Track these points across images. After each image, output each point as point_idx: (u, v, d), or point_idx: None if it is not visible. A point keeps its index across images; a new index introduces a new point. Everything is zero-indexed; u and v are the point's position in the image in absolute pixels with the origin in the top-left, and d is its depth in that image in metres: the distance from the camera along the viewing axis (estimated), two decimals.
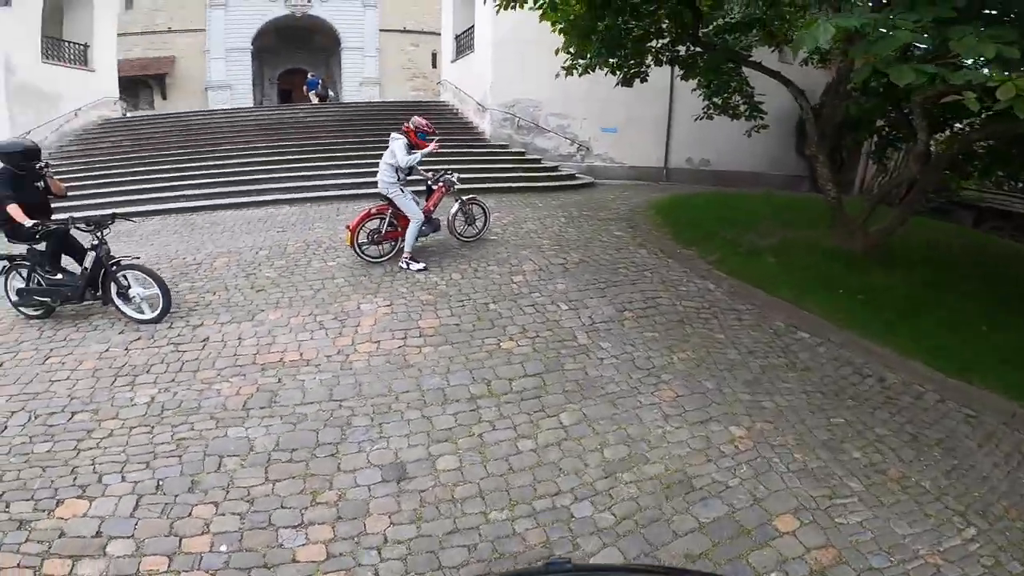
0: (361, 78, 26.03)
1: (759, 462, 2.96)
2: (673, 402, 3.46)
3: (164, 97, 23.88)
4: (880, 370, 4.04)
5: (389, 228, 5.64)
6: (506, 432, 3.12)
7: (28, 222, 4.01)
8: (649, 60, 6.72)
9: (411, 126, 5.51)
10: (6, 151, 4.27)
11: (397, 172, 5.40)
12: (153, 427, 3.14)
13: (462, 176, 9.29)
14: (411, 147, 5.43)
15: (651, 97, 11.55)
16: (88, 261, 4.32)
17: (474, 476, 2.80)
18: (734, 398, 3.55)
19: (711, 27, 6.56)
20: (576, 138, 12.26)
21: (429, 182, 5.98)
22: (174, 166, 10.17)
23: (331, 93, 23.24)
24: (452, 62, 15.03)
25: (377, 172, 5.60)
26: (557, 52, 6.52)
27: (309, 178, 9.48)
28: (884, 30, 2.74)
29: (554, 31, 6.09)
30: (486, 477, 2.79)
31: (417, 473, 2.81)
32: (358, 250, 5.61)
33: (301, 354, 3.92)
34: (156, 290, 4.29)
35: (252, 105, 23.01)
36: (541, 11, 5.73)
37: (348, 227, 5.59)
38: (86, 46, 13.58)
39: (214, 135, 12.01)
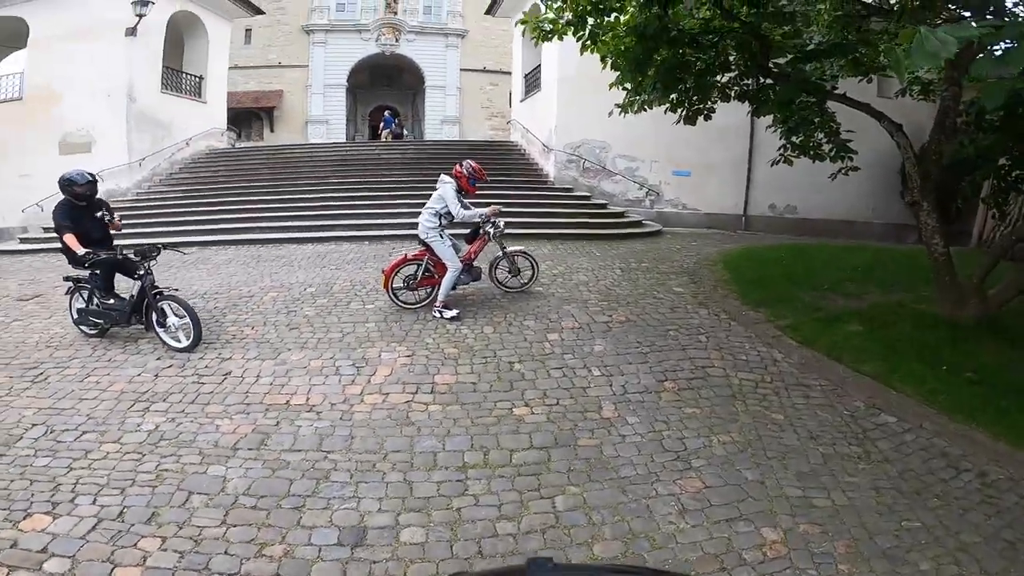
0: (442, 116, 27.48)
1: (788, 574, 2.37)
2: (697, 494, 2.92)
3: (272, 130, 26.31)
4: (983, 464, 3.25)
5: (426, 275, 5.53)
6: (489, 510, 2.78)
7: (80, 251, 4.38)
8: (715, 96, 6.14)
9: (463, 170, 5.39)
10: (67, 182, 4.68)
11: (440, 217, 5.29)
12: (144, 455, 3.20)
13: (521, 221, 9.50)
14: (460, 192, 5.35)
15: (729, 137, 11.07)
16: (134, 289, 4.66)
17: (436, 555, 2.49)
18: (778, 493, 2.94)
19: (786, 58, 5.84)
20: (645, 182, 11.84)
21: (480, 224, 5.69)
22: (256, 197, 11.05)
23: (405, 132, 24.62)
24: (521, 101, 15.19)
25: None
26: (611, 87, 6.10)
27: (373, 215, 9.88)
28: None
29: (604, 67, 5.76)
30: (448, 559, 2.47)
31: (376, 541, 2.56)
32: (392, 295, 5.56)
33: (308, 399, 3.88)
34: (188, 320, 4.49)
35: (344, 140, 24.97)
36: (583, 44, 5.39)
37: (383, 271, 5.60)
38: (200, 78, 15.09)
39: (295, 169, 12.95)
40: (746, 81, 6.02)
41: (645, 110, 6.13)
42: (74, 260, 4.63)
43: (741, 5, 5.19)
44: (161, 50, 13.46)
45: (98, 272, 4.68)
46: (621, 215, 10.99)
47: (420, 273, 5.52)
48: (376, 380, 4.13)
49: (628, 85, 5.82)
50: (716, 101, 6.19)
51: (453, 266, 5.30)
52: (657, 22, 4.70)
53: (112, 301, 4.70)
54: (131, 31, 11.93)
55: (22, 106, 12.18)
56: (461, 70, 27.63)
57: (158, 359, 4.47)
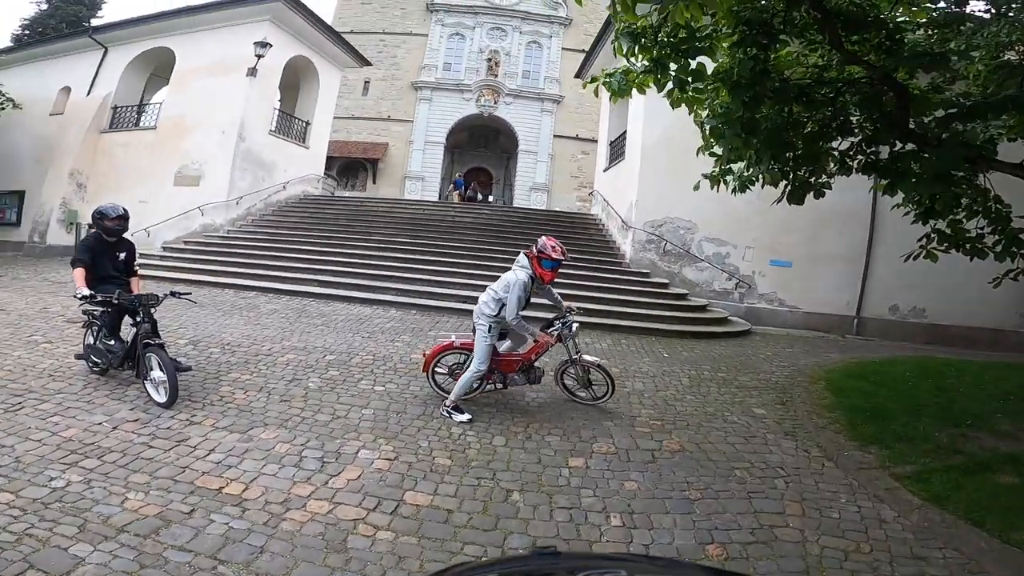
0: (532, 183, 27.96)
1: None
2: None
3: (374, 181, 27.97)
4: None
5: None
6: None
7: (79, 291, 4.24)
8: (831, 167, 4.81)
9: (535, 250, 4.46)
10: (99, 215, 4.64)
11: (501, 306, 4.42)
12: (26, 513, 2.77)
13: (584, 307, 8.47)
14: (534, 280, 4.46)
15: (842, 221, 9.74)
16: (129, 336, 4.46)
17: None
18: None
19: (931, 117, 4.29)
20: (736, 271, 10.53)
21: (555, 319, 4.73)
22: (325, 249, 11.23)
23: (480, 195, 24.94)
24: (604, 171, 14.57)
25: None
26: (699, 154, 4.97)
27: (429, 282, 9.56)
28: None
29: (697, 119, 4.67)
30: None
31: None
32: (432, 381, 4.91)
33: (245, 490, 3.21)
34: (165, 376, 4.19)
35: (436, 198, 25.86)
36: (669, 95, 4.38)
37: (424, 353, 4.99)
38: (307, 123, 16.25)
39: (368, 224, 13.20)
40: (873, 148, 4.63)
41: (749, 188, 4.94)
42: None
43: (869, 49, 3.98)
44: (275, 92, 14.76)
45: (106, 311, 4.56)
46: (702, 308, 9.74)
47: (467, 362, 4.71)
48: (336, 483, 3.37)
49: (718, 150, 4.76)
50: (833, 175, 4.87)
51: (477, 363, 4.44)
52: (752, 69, 3.76)
53: (112, 343, 4.54)
54: (251, 71, 13.07)
55: (155, 135, 13.72)
56: (554, 136, 28.35)
57: (131, 410, 4.16)
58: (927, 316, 10.06)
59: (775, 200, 5.02)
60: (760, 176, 4.65)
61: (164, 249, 11.70)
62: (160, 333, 4.49)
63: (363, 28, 28.57)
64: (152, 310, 4.41)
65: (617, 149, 13.58)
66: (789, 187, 4.72)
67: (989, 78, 4.05)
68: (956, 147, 3.75)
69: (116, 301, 4.31)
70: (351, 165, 28.02)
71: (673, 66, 4.08)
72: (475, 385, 4.57)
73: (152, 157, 13.34)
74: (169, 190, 13.02)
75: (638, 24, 3.71)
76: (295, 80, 16.43)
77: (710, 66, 4.27)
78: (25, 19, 28.53)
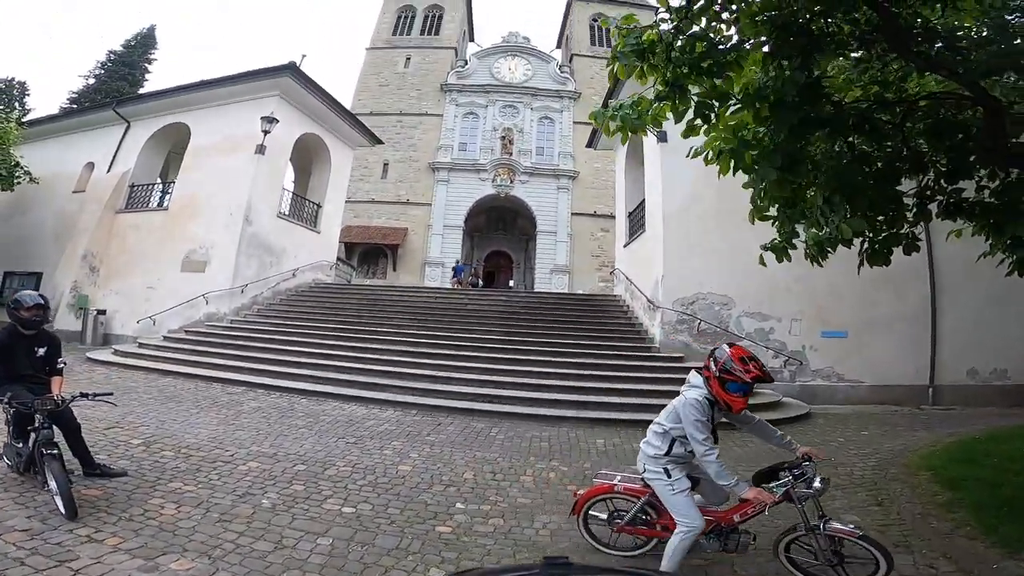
0: (552, 265, 27.69)
1: None
2: None
3: (394, 268, 27.87)
4: None
5: (642, 518, 3.44)
6: None
7: None
8: (911, 210, 3.84)
9: (712, 364, 3.08)
10: (14, 304, 4.18)
11: (672, 443, 3.19)
12: None
13: (606, 402, 7.55)
14: (715, 405, 3.08)
15: (897, 279, 8.74)
16: (31, 440, 3.95)
17: None
18: None
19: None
20: (783, 347, 9.44)
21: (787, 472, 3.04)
22: (328, 342, 10.51)
23: (480, 282, 24.59)
24: (625, 246, 13.80)
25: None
26: (754, 218, 4.07)
27: (435, 379, 8.72)
28: None
29: (721, 166, 3.76)
30: None
31: None
32: (583, 526, 3.66)
33: None
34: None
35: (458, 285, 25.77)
36: (688, 125, 3.63)
37: (575, 493, 3.74)
38: (319, 206, 16.00)
39: (378, 314, 12.45)
40: (954, 186, 3.71)
41: (830, 251, 3.92)
42: None
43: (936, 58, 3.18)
44: (284, 172, 14.64)
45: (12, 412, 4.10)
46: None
47: (635, 514, 3.44)
48: None
49: (767, 205, 3.84)
50: (914, 224, 3.86)
51: (686, 524, 2.99)
52: (796, 83, 2.96)
53: (20, 445, 4.08)
54: (259, 148, 12.99)
55: (165, 216, 13.63)
56: (572, 214, 28.39)
57: (28, 517, 3.56)
58: (1010, 377, 8.97)
59: (860, 265, 4.04)
60: (841, 232, 3.52)
61: (165, 339, 11.29)
62: (82, 437, 4.17)
63: (381, 110, 30.17)
64: (62, 412, 3.96)
65: (637, 221, 12.87)
66: (867, 245, 3.77)
67: None
68: None
69: (7, 404, 3.86)
70: (371, 251, 28.26)
71: (694, 89, 3.32)
72: (707, 549, 3.23)
73: (161, 241, 13.25)
74: (176, 276, 12.79)
75: (644, 37, 3.02)
76: (307, 162, 16.62)
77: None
78: (73, 92, 31.30)
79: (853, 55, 3.55)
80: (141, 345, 10.97)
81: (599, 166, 27.47)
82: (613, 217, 18.70)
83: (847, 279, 6.24)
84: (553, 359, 9.33)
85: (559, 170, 28.91)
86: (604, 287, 23.23)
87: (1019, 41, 3.22)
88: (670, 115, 3.46)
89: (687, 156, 4.01)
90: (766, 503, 2.95)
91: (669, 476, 3.10)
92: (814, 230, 3.75)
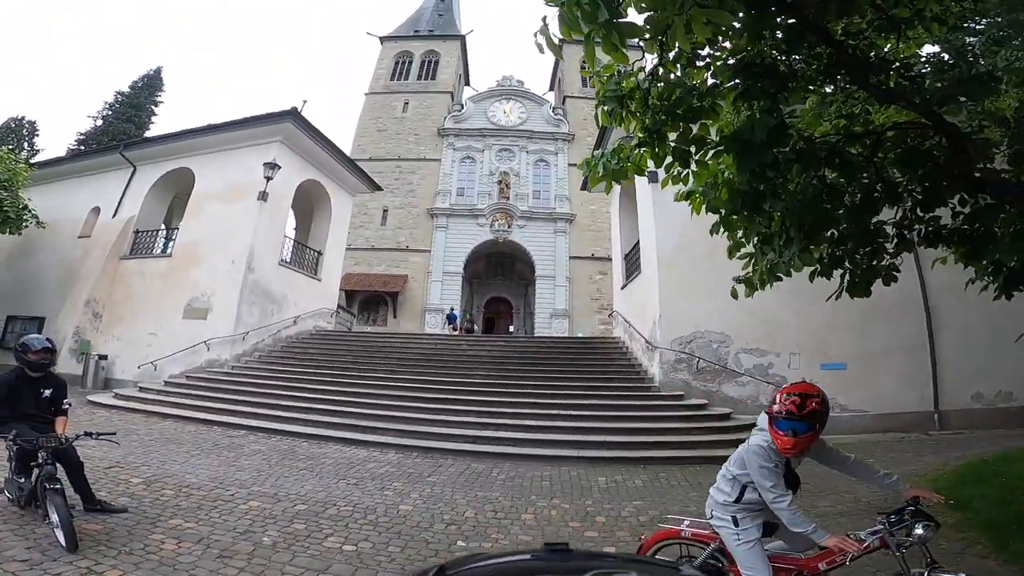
0: (551, 309, 27.65)
1: None
2: None
3: (395, 315, 27.83)
4: None
5: (712, 563, 3.21)
6: None
7: None
8: (890, 244, 3.89)
9: (772, 406, 3.01)
10: (22, 347, 4.37)
11: (743, 489, 2.99)
12: None
13: (608, 441, 7.62)
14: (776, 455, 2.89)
15: (892, 309, 8.97)
16: (33, 476, 4.05)
17: None
18: None
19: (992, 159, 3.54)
20: (784, 381, 9.42)
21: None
22: (328, 387, 10.53)
23: (475, 327, 24.71)
24: (622, 288, 13.97)
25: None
26: (732, 256, 4.19)
27: (435, 422, 8.71)
28: None
29: (693, 205, 3.92)
30: None
31: None
32: None
33: None
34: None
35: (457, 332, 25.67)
36: (668, 173, 3.71)
37: (642, 539, 3.61)
38: (319, 253, 16.13)
39: (377, 360, 12.47)
40: (929, 215, 3.76)
41: (779, 279, 4.00)
42: None
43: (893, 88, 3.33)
44: (285, 219, 14.80)
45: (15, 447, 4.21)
46: (751, 427, 8.45)
47: (705, 560, 3.23)
48: None
49: (745, 242, 3.98)
50: (895, 255, 3.91)
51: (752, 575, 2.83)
52: (766, 125, 3.07)
53: (22, 480, 4.19)
54: (262, 195, 13.20)
55: (168, 264, 13.76)
56: (570, 258, 28.58)
57: (27, 548, 3.65)
58: (1016, 399, 8.96)
59: (832, 295, 4.09)
60: (791, 262, 3.72)
61: (166, 384, 11.31)
62: (84, 475, 4.22)
63: (380, 155, 30.84)
64: (66, 450, 4.06)
65: (632, 262, 13.11)
66: (847, 276, 3.85)
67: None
68: None
69: (12, 441, 3.97)
70: (372, 299, 28.32)
71: (672, 135, 3.45)
72: None
73: (164, 287, 13.39)
74: (178, 323, 12.87)
75: (624, 84, 3.27)
76: (308, 209, 16.92)
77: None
78: (81, 134, 31.90)
79: (820, 90, 3.75)
80: (142, 389, 11.01)
81: (595, 208, 27.80)
82: (611, 259, 18.91)
83: (842, 312, 6.38)
84: (553, 401, 9.33)
85: (556, 213, 29.27)
86: (604, 330, 23.20)
87: (981, 62, 3.47)
88: (651, 161, 3.61)
89: (675, 199, 4.16)
90: (850, 551, 2.69)
91: (736, 525, 2.90)
92: (770, 256, 3.88)
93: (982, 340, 8.36)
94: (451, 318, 23.60)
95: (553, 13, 2.39)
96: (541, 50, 2.50)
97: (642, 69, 3.24)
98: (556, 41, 2.48)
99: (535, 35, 2.45)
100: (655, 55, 2.81)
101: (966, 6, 3.47)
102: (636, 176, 3.97)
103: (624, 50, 2.36)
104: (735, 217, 3.62)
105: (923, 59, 3.66)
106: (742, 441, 7.69)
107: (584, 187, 16.60)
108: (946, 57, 3.64)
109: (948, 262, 4.19)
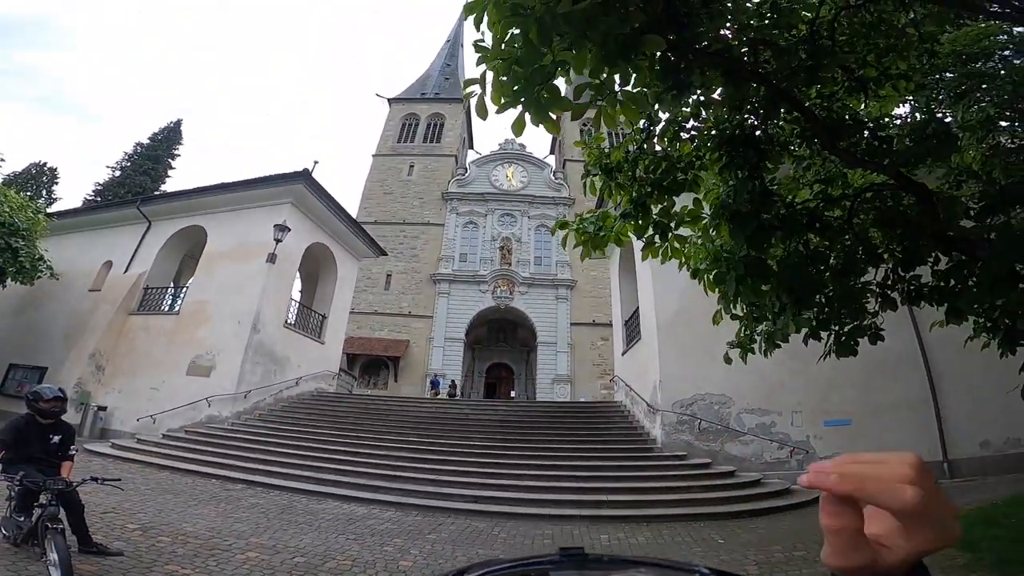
0: (553, 375, 27.36)
1: None
2: None
3: (396, 379, 27.54)
4: None
5: None
6: None
7: None
8: (874, 305, 3.99)
9: None
10: (33, 395, 4.58)
11: None
12: None
13: (613, 500, 7.51)
14: None
15: (893, 364, 9.15)
16: (35, 515, 4.16)
17: None
18: None
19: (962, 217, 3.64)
20: (787, 439, 9.50)
21: None
22: (328, 446, 10.46)
23: (458, 392, 24.53)
24: (623, 354, 14.16)
25: None
26: (715, 320, 4.21)
27: (431, 481, 8.63)
28: None
29: (705, 284, 3.94)
30: None
31: None
32: None
33: None
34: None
35: (460, 396, 25.00)
36: (650, 246, 3.78)
37: None
38: (324, 317, 16.28)
39: (377, 421, 12.47)
40: (913, 272, 3.86)
41: (778, 346, 4.12)
42: None
43: (862, 153, 3.49)
44: (292, 281, 15.05)
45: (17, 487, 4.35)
46: (756, 483, 8.57)
47: None
48: None
49: (736, 310, 4.07)
50: (878, 314, 3.98)
51: None
52: (751, 191, 3.28)
53: (21, 518, 4.29)
54: (271, 257, 13.50)
55: (175, 321, 13.87)
56: (571, 324, 28.54)
57: None
58: None
59: (820, 357, 4.18)
60: (786, 328, 3.85)
61: (164, 437, 11.26)
62: (83, 517, 4.32)
63: (385, 219, 31.39)
64: (70, 493, 4.18)
65: (633, 329, 13.35)
66: (833, 338, 3.92)
67: (990, 162, 3.72)
68: (1013, 239, 3.10)
69: (18, 482, 4.11)
70: (373, 363, 28.17)
71: (655, 208, 3.61)
72: None
73: (169, 344, 13.51)
74: (181, 379, 12.91)
75: (612, 157, 3.57)
76: (314, 271, 17.26)
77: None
78: (99, 184, 32.20)
79: (796, 155, 3.96)
80: (140, 441, 10.96)
81: (596, 274, 28.13)
82: (611, 325, 19.06)
83: (841, 370, 6.43)
84: (555, 462, 9.26)
85: (557, 279, 29.49)
86: (606, 395, 22.98)
87: (948, 119, 3.72)
88: (632, 234, 3.77)
89: (679, 268, 4.19)
90: None
91: None
92: (765, 326, 3.98)
93: (984, 389, 8.35)
94: (435, 383, 23.83)
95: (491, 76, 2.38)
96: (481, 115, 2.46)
97: (632, 141, 3.51)
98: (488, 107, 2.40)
99: (464, 99, 2.43)
100: (642, 127, 3.11)
101: (925, 61, 3.79)
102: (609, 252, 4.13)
103: (554, 119, 2.38)
104: (743, 286, 3.64)
105: (894, 120, 3.95)
106: (751, 498, 7.65)
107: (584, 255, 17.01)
108: (917, 116, 3.90)
109: (944, 324, 4.12)
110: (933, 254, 3.78)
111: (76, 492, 4.22)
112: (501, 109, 2.32)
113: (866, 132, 3.57)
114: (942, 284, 3.81)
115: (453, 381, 25.40)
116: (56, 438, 4.56)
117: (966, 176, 4.00)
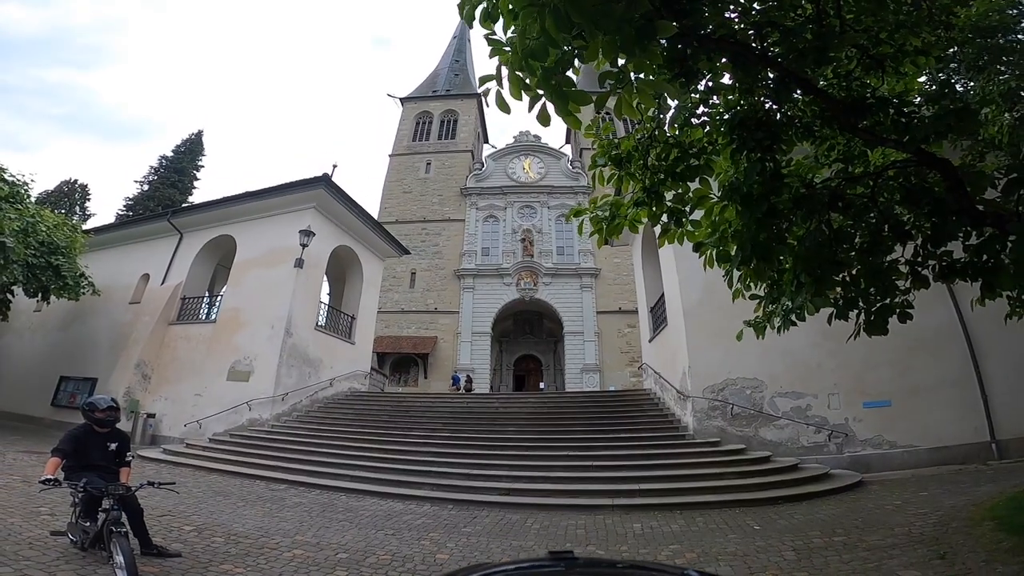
0: (582, 364, 27.37)
1: None
2: None
3: (426, 376, 28.09)
4: None
5: None
6: None
7: (43, 476, 4.26)
8: (905, 282, 3.75)
9: None
10: (88, 406, 4.86)
11: None
12: None
13: (644, 489, 7.55)
14: None
15: (933, 342, 8.94)
16: (100, 520, 4.41)
17: None
18: None
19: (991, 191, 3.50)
20: (824, 422, 9.31)
21: None
22: (366, 444, 10.79)
23: (472, 387, 24.75)
24: (650, 341, 14.00)
25: None
26: (734, 299, 4.21)
27: (468, 476, 8.80)
28: None
29: (705, 259, 3.94)
30: None
31: None
32: None
33: None
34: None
35: (489, 391, 25.64)
36: (666, 231, 3.79)
37: None
38: (353, 318, 16.73)
39: (410, 418, 12.75)
40: (944, 248, 3.66)
41: (794, 323, 4.03)
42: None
43: (884, 131, 3.39)
44: (320, 285, 15.49)
45: (82, 494, 4.59)
46: (793, 468, 8.43)
47: None
48: None
49: (756, 288, 4.05)
50: (910, 291, 3.79)
51: None
52: (760, 172, 3.28)
53: (87, 524, 4.54)
54: (298, 262, 13.97)
55: (213, 329, 14.47)
56: (597, 313, 28.50)
57: None
58: None
59: (850, 336, 4.05)
60: (805, 307, 3.77)
61: (211, 440, 11.86)
62: (143, 521, 4.54)
63: (406, 218, 31.84)
64: (129, 498, 4.42)
65: (659, 315, 13.21)
66: (862, 316, 3.81)
67: (1017, 134, 3.56)
68: None
69: (82, 489, 4.34)
70: (402, 361, 28.69)
71: (668, 194, 3.62)
72: None
73: (209, 351, 14.11)
74: (222, 384, 13.49)
75: (622, 147, 3.58)
76: (341, 274, 17.70)
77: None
78: (129, 199, 33.47)
79: (818, 135, 3.84)
80: (189, 445, 11.52)
81: (619, 261, 28.02)
82: (637, 312, 18.93)
83: (879, 349, 6.29)
84: (586, 452, 9.33)
85: (580, 268, 29.43)
86: (635, 382, 22.86)
87: (971, 91, 3.56)
88: (646, 219, 3.78)
89: (697, 254, 4.10)
90: None
91: None
92: (782, 304, 3.93)
93: None
94: (455, 379, 24.57)
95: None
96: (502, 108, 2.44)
97: (643, 130, 3.52)
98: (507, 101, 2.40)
99: (483, 94, 2.45)
100: (652, 116, 3.11)
101: (942, 35, 3.67)
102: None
103: (577, 115, 2.40)
104: (745, 268, 3.64)
105: (916, 95, 3.77)
106: (786, 483, 7.63)
107: (606, 242, 16.91)
108: (934, 89, 3.78)
109: (985, 302, 3.97)
110: (964, 229, 3.64)
111: (135, 497, 4.47)
112: (533, 102, 2.30)
113: (891, 110, 3.43)
114: (975, 260, 3.65)
115: (468, 376, 25.93)
116: (113, 446, 4.83)
117: (991, 149, 3.86)
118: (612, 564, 1.99)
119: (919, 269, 3.86)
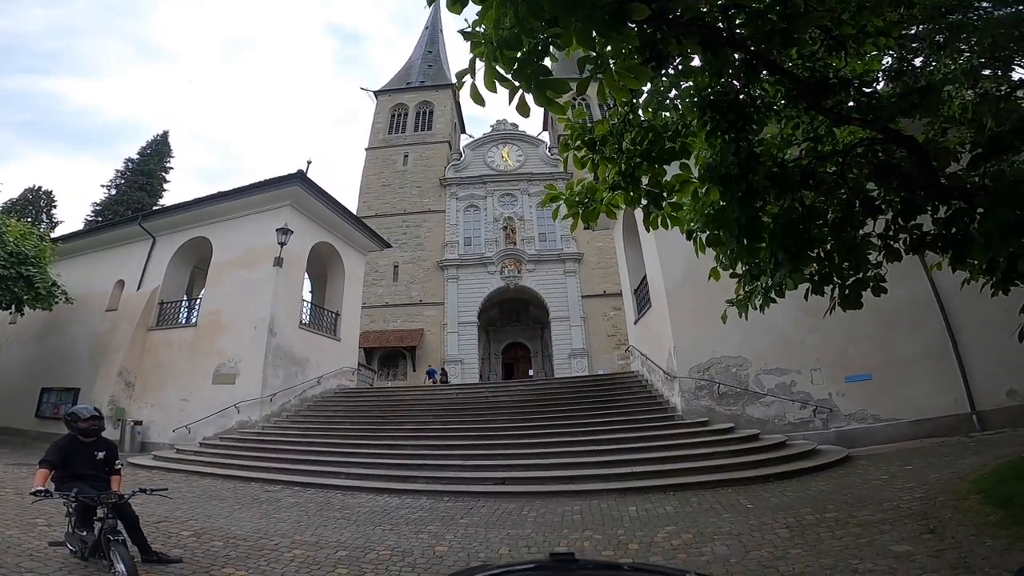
0: (569, 349, 27.60)
1: None
2: None
3: (414, 368, 28.05)
4: None
5: None
6: None
7: (34, 488, 4.23)
8: (877, 256, 3.89)
9: None
10: (71, 416, 4.83)
11: None
12: None
13: (635, 472, 7.66)
14: None
15: (909, 315, 9.22)
16: (96, 529, 4.40)
17: None
18: None
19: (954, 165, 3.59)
20: (808, 398, 9.57)
21: None
22: (357, 440, 10.87)
23: (448, 379, 25.17)
24: (635, 323, 14.23)
25: None
26: (710, 277, 4.25)
27: (460, 467, 8.91)
28: None
29: (695, 246, 3.99)
30: None
31: None
32: None
33: None
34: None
35: (478, 380, 25.74)
36: (648, 216, 3.79)
37: None
38: (337, 315, 16.66)
39: (401, 412, 12.84)
40: (911, 222, 3.78)
41: (774, 300, 4.14)
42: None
43: (848, 110, 3.50)
44: (301, 283, 15.38)
45: (75, 504, 4.60)
46: (781, 445, 8.65)
47: None
48: None
49: (736, 268, 4.14)
50: (881, 265, 3.93)
51: None
52: (736, 153, 3.32)
53: (84, 533, 4.53)
54: (277, 260, 13.87)
55: (194, 333, 14.31)
56: (582, 297, 28.76)
57: None
58: None
59: (826, 310, 4.21)
60: (783, 283, 3.91)
61: (201, 445, 11.79)
62: (140, 528, 4.57)
63: (385, 211, 31.64)
64: (123, 506, 4.42)
65: (642, 297, 13.39)
66: (837, 291, 3.94)
67: (979, 110, 3.68)
68: (1010, 186, 3.07)
69: (74, 498, 4.33)
70: (390, 355, 28.62)
71: (645, 178, 3.65)
72: None
73: (192, 355, 13.97)
74: (208, 388, 13.39)
75: (596, 131, 3.61)
76: (322, 271, 17.58)
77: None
78: (97, 204, 32.63)
79: (783, 115, 3.96)
80: (179, 451, 11.49)
81: (601, 245, 28.19)
82: (622, 295, 19.10)
83: (857, 323, 6.44)
84: (578, 438, 9.46)
85: (564, 254, 29.63)
86: (623, 365, 23.10)
87: (933, 69, 3.70)
88: (623, 204, 3.81)
89: (683, 234, 4.17)
90: None
91: None
92: (761, 282, 4.05)
93: (1006, 336, 8.38)
94: (430, 373, 24.74)
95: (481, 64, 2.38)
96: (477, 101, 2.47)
97: (616, 114, 3.56)
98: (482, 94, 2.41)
99: (457, 87, 2.49)
100: (625, 100, 3.15)
101: (903, 13, 3.78)
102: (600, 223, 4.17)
103: (559, 102, 2.43)
104: (739, 246, 3.71)
105: (879, 75, 3.95)
106: (777, 460, 7.85)
107: (587, 227, 17.04)
108: (897, 68, 3.92)
109: (942, 266, 4.22)
110: (932, 203, 3.77)
111: (129, 504, 4.46)
112: (512, 94, 2.32)
113: (851, 90, 3.56)
114: (944, 232, 3.79)
115: (443, 368, 26.20)
116: (100, 455, 4.80)
117: (952, 124, 4.00)
118: (613, 566, 1.92)
119: (891, 243, 4.00)
